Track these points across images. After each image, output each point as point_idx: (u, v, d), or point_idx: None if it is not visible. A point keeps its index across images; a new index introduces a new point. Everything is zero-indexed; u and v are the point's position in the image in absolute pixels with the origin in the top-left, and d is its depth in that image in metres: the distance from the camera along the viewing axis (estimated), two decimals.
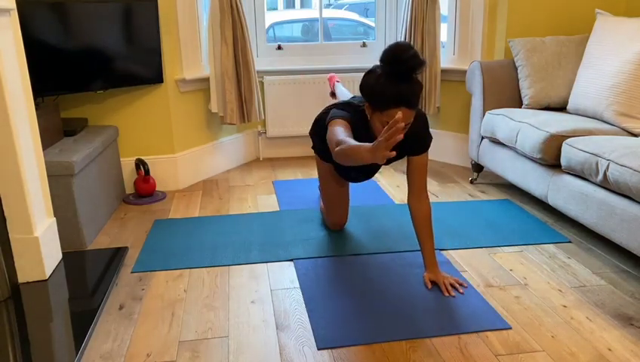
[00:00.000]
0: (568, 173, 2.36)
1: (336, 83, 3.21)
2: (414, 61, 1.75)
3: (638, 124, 2.42)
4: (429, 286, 2.02)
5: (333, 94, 3.25)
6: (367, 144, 1.54)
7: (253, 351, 1.67)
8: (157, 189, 3.15)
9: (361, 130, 2.03)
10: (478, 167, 3.18)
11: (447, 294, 1.97)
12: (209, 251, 2.34)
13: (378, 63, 1.86)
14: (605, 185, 2.11)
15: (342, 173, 2.37)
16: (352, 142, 1.66)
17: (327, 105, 2.76)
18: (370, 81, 1.85)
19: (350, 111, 2.03)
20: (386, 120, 1.83)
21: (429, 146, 2.07)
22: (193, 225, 2.63)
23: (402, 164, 3.63)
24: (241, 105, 3.23)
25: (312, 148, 2.46)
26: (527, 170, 2.61)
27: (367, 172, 2.34)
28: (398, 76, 1.77)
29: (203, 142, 3.34)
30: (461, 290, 1.98)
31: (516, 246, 2.35)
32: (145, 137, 3.07)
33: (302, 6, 5.48)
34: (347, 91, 3.03)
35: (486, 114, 2.94)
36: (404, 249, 2.33)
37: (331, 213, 2.49)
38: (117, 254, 2.24)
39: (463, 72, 3.35)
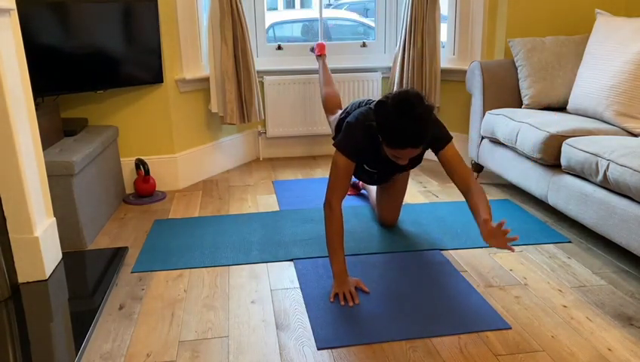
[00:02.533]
0: (568, 173, 2.36)
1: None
2: (426, 114, 1.80)
3: (638, 124, 2.42)
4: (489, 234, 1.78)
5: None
6: (340, 267, 1.99)
7: (253, 351, 1.67)
8: (157, 189, 3.15)
9: (371, 150, 2.07)
10: (478, 167, 3.18)
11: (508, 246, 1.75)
12: (209, 251, 2.34)
13: (390, 95, 1.86)
14: (605, 185, 2.11)
15: (359, 176, 2.39)
16: (335, 235, 1.98)
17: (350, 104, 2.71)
18: (382, 114, 1.85)
19: (363, 134, 2.01)
20: (394, 154, 1.90)
21: (448, 139, 2.02)
22: (193, 225, 2.63)
23: None
24: (241, 105, 3.23)
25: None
26: (527, 170, 2.61)
27: (384, 177, 2.36)
28: (405, 122, 1.78)
29: (203, 142, 3.34)
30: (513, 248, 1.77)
31: (516, 247, 2.35)
32: (145, 137, 3.07)
33: (302, 6, 5.48)
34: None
35: (486, 114, 2.94)
36: (404, 249, 2.33)
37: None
38: (117, 254, 2.24)
39: (463, 72, 3.35)
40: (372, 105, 2.13)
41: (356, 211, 2.76)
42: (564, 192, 2.35)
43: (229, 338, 1.74)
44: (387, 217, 2.53)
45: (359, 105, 2.32)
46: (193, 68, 3.16)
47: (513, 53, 2.99)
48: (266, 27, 3.63)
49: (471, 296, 1.96)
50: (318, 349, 1.67)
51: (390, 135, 1.82)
